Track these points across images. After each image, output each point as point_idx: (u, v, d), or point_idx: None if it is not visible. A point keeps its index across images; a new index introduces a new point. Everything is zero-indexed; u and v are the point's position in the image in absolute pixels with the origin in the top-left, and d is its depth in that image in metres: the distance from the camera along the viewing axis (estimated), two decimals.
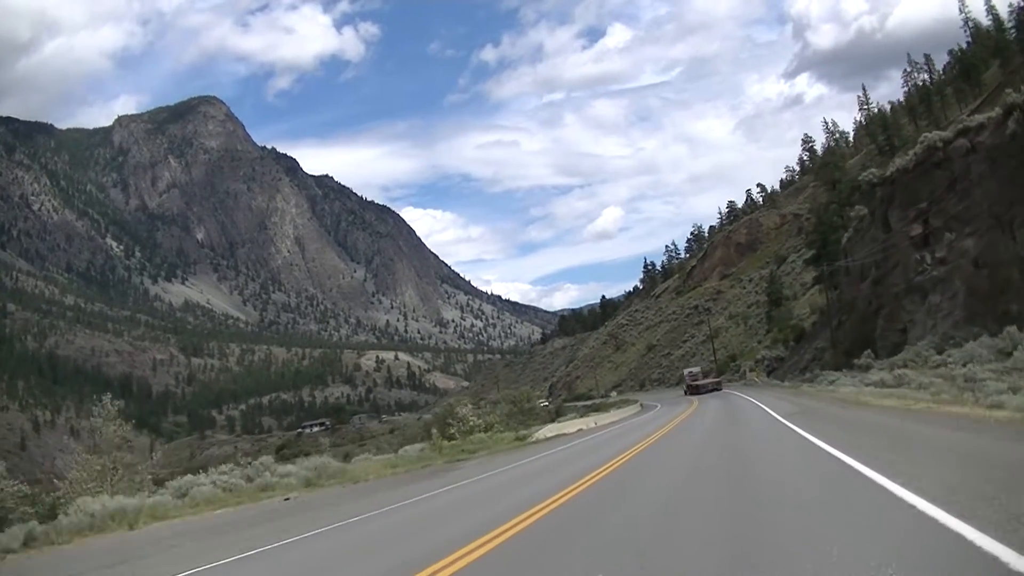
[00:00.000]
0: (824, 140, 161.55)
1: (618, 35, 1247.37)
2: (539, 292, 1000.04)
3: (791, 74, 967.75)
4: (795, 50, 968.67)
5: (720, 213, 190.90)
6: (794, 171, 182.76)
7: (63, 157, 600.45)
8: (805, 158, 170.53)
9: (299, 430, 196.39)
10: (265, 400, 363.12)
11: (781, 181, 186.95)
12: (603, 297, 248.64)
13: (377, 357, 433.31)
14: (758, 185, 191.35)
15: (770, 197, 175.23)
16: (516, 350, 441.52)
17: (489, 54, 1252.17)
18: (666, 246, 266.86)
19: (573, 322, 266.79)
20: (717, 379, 75.27)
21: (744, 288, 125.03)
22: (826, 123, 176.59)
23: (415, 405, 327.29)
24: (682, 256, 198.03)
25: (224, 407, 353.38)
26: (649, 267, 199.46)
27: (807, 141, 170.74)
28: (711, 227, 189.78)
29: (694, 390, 71.07)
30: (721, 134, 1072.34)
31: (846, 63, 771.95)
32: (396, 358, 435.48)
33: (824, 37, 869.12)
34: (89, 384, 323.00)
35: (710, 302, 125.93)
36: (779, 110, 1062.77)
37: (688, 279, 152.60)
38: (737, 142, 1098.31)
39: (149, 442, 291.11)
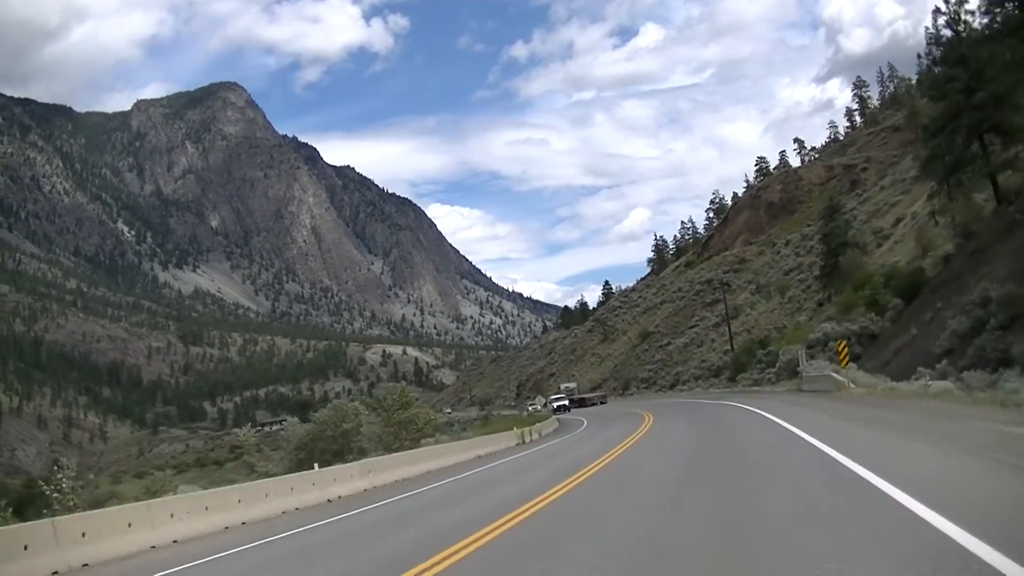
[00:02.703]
0: (878, 93, 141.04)
1: (650, 35, 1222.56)
2: (564, 292, 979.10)
3: (822, 79, 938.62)
4: (827, 55, 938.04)
5: (747, 180, 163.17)
6: (835, 128, 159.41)
7: (79, 140, 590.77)
8: (854, 107, 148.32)
9: (260, 427, 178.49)
10: (262, 393, 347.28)
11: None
12: (606, 282, 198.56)
13: (384, 351, 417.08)
14: (795, 141, 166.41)
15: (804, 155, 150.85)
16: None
17: (519, 50, 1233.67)
18: (681, 221, 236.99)
19: (579, 315, 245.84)
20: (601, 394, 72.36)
21: (778, 254, 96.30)
22: (881, 72, 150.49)
23: None
24: (701, 233, 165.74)
25: (218, 399, 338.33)
26: (659, 242, 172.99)
27: (860, 85, 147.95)
28: (735, 195, 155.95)
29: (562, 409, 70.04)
30: (751, 138, 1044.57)
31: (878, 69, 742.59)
32: (404, 353, 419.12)
33: (857, 42, 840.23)
34: (75, 371, 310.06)
35: (729, 274, 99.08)
36: (809, 115, 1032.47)
37: (703, 251, 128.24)
38: (766, 146, 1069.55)
39: (130, 433, 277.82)
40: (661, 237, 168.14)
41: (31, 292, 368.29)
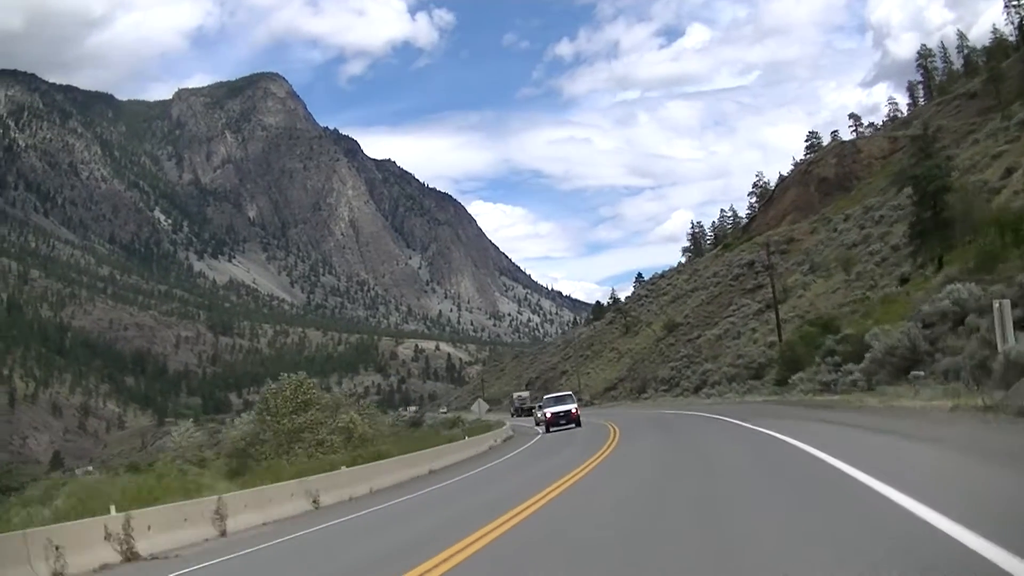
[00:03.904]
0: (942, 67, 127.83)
1: (696, 35, 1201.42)
2: (604, 292, 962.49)
3: (868, 83, 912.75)
4: (874, 59, 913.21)
5: (793, 161, 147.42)
6: (894, 107, 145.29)
7: (119, 128, 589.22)
8: (918, 79, 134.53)
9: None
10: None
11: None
12: (639, 275, 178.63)
13: (416, 346, 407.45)
14: (850, 116, 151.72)
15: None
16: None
17: (564, 48, 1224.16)
18: (721, 209, 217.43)
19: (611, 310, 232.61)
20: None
21: (835, 231, 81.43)
22: (943, 47, 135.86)
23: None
24: (743, 219, 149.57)
25: (244, 390, 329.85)
26: (696, 229, 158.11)
27: (926, 54, 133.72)
28: (781, 176, 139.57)
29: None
30: (795, 142, 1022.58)
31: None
32: (437, 348, 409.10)
33: (905, 46, 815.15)
34: (98, 358, 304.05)
35: (775, 255, 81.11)
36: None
37: (744, 234, 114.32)
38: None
39: (149, 422, 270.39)
40: (698, 223, 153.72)
41: (61, 278, 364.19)
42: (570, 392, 56.46)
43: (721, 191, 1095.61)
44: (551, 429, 46.60)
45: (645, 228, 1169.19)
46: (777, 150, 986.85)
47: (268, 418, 33.96)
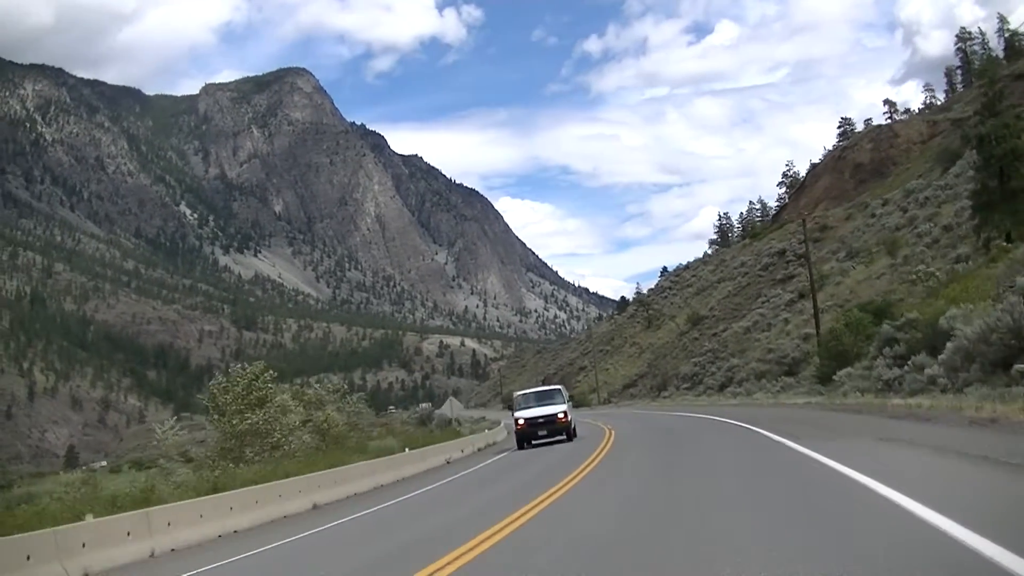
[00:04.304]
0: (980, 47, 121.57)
1: (725, 32, 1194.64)
2: (631, 290, 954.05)
3: (898, 81, 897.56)
4: (904, 57, 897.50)
5: (824, 150, 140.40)
6: (931, 94, 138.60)
7: (146, 122, 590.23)
8: (957, 63, 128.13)
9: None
10: (312, 380, 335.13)
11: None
12: (664, 268, 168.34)
13: (441, 342, 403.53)
14: (885, 102, 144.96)
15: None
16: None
17: (593, 45, 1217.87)
18: (749, 201, 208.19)
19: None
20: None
21: (873, 216, 73.80)
22: (981, 33, 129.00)
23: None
24: (773, 208, 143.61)
25: (290, 384, 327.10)
26: (723, 220, 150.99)
27: (965, 38, 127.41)
28: (813, 164, 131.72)
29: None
30: (823, 140, 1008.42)
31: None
32: (462, 344, 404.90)
33: (935, 44, 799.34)
34: (120, 352, 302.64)
35: (806, 243, 75.08)
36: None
37: (773, 223, 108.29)
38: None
39: (169, 416, 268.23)
40: (726, 215, 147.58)
41: (86, 271, 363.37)
42: (559, 387, 37.36)
43: (749, 189, 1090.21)
44: (527, 444, 32.12)
45: (673, 225, 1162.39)
46: (805, 148, 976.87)
47: (216, 417, 29.69)
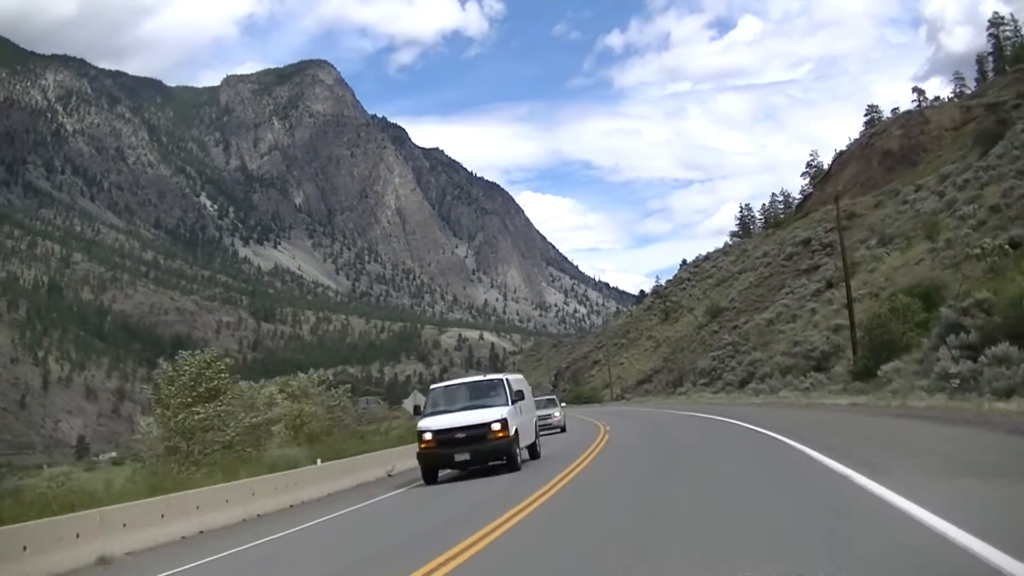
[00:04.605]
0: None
1: (748, 28, 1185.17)
2: (652, 285, 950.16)
3: (921, 78, 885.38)
4: (927, 53, 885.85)
5: (850, 140, 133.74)
6: (961, 82, 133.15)
7: (167, 114, 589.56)
8: (989, 50, 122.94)
9: None
10: (330, 373, 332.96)
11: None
12: (684, 261, 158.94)
13: (460, 335, 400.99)
14: (914, 90, 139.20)
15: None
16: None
17: (615, 39, 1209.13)
18: (772, 193, 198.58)
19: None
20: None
21: (904, 203, 67.87)
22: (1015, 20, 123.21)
23: None
24: (796, 198, 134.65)
25: (282, 378, 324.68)
26: (744, 211, 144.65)
27: (998, 23, 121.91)
28: (839, 151, 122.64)
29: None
30: (847, 136, 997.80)
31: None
32: (480, 338, 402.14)
33: (958, 40, 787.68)
34: (137, 342, 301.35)
35: (833, 232, 69.32)
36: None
37: (797, 212, 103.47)
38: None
39: None
40: (747, 206, 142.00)
41: (104, 262, 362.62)
42: (504, 378, 22.53)
43: (771, 185, 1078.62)
44: (433, 474, 20.69)
45: (694, 221, 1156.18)
46: (828, 145, 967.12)
47: (159, 411, 26.35)
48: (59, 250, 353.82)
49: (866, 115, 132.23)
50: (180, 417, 25.73)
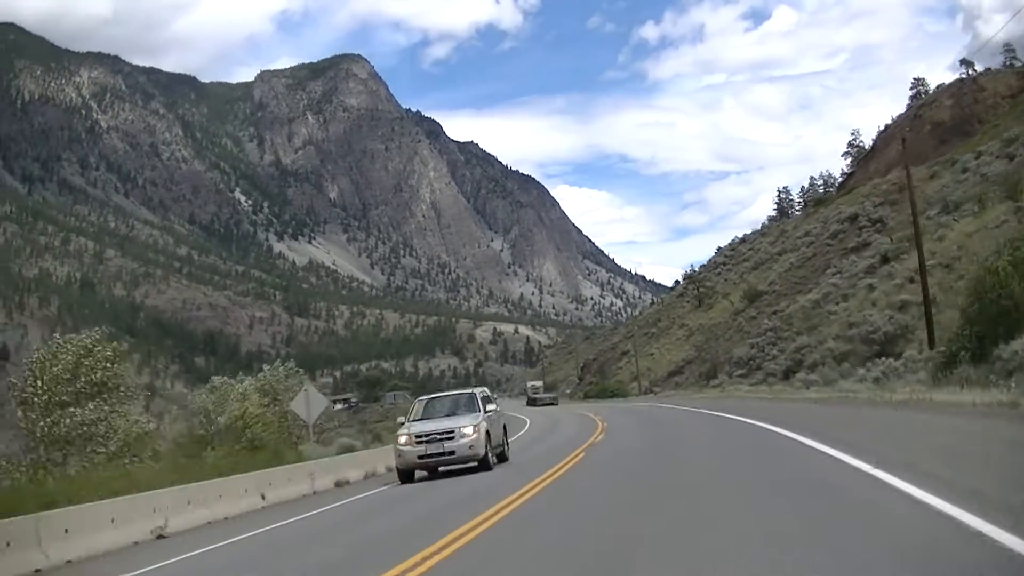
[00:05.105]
0: None
1: (783, 18, 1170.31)
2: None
3: (957, 67, 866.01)
4: (964, 42, 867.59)
5: (892, 119, 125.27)
6: (1011, 55, 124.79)
7: (201, 109, 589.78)
8: None
9: None
10: (363, 368, 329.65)
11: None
12: (718, 248, 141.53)
13: (495, 329, 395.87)
14: (962, 62, 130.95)
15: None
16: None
17: (650, 31, 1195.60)
18: (811, 177, 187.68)
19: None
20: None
21: (964, 171, 62.35)
22: None
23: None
24: (837, 179, 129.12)
25: (318, 372, 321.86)
26: (782, 195, 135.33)
27: None
28: (884, 126, 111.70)
29: None
30: (882, 124, 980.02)
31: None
32: (516, 331, 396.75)
33: (995, 28, 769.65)
34: (169, 338, 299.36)
35: (883, 207, 71.14)
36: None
37: (839, 191, 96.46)
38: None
39: None
40: (785, 189, 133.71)
41: (138, 257, 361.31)
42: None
43: (807, 176, 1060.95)
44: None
45: (730, 212, 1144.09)
46: (865, 136, 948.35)
47: (21, 414, 20.95)
48: (92, 246, 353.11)
49: (912, 88, 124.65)
50: (49, 420, 20.32)
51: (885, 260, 48.63)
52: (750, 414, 26.45)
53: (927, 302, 28.65)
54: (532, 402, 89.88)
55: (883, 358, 32.04)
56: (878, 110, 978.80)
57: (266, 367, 37.40)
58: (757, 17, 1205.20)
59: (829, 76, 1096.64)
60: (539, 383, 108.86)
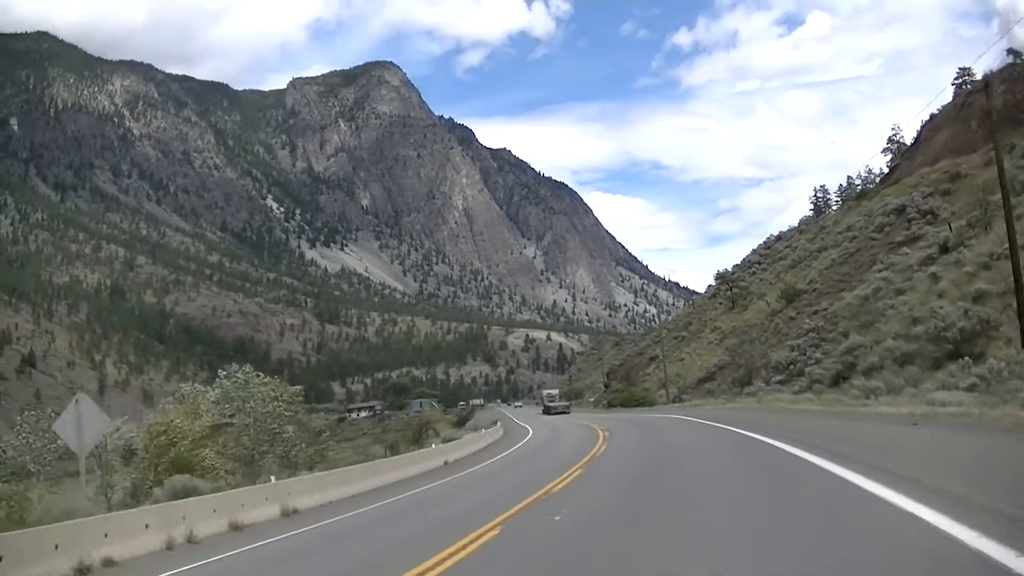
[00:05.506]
0: None
1: (817, 23, 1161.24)
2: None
3: (992, 64, 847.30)
4: (1000, 47, 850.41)
5: (933, 112, 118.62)
6: None
7: (234, 117, 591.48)
8: None
9: (343, 415, 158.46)
10: (394, 375, 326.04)
11: None
12: (753, 251, 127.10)
13: (527, 336, 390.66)
14: (1009, 51, 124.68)
15: None
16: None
17: (683, 37, 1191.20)
18: (848, 176, 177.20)
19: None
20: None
21: None
22: None
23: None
24: (876, 175, 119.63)
25: (348, 379, 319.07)
26: (819, 194, 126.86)
27: None
28: (929, 116, 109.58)
29: None
30: (920, 131, 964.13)
31: None
32: (548, 338, 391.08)
33: None
34: (199, 345, 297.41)
35: (933, 197, 56.71)
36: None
37: (881, 185, 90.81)
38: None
39: None
40: (822, 187, 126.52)
41: (168, 264, 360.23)
42: None
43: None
44: None
45: (764, 219, 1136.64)
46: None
47: None
48: (123, 253, 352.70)
49: (956, 78, 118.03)
50: None
51: (945, 249, 43.01)
52: (817, 442, 16.84)
53: (1021, 290, 23.21)
54: (547, 410, 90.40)
55: (962, 358, 26.68)
56: (912, 115, 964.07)
57: (221, 372, 32.69)
58: (791, 22, 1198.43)
59: (863, 82, 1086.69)
60: (555, 391, 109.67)
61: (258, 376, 31.07)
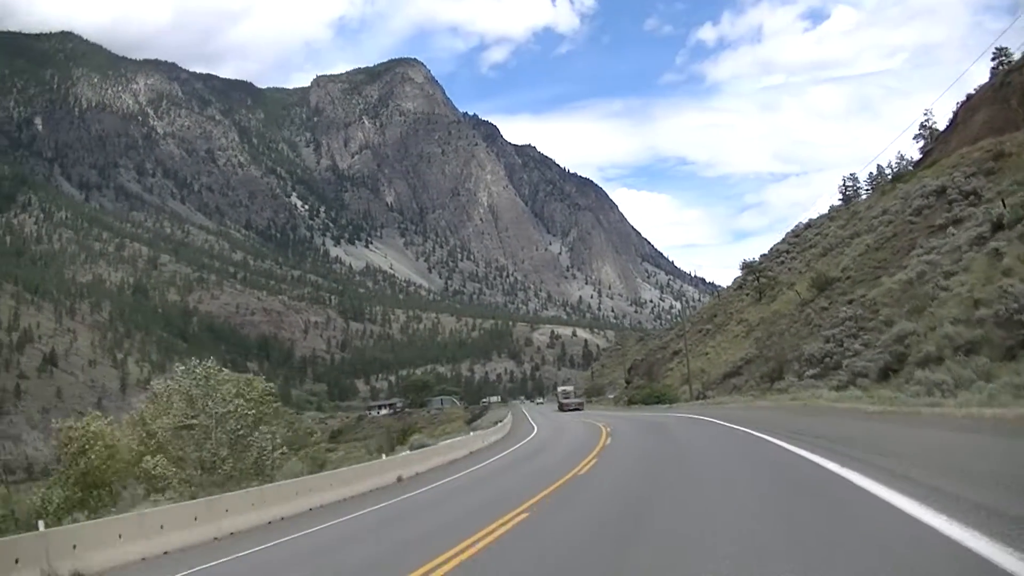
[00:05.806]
0: None
1: (842, 18, 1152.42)
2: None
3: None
4: None
5: (972, 91, 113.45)
6: None
7: (258, 115, 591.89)
8: None
9: (364, 412, 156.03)
10: (419, 372, 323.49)
11: None
12: (799, 222, 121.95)
13: (552, 332, 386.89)
14: None
15: None
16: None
17: (708, 33, 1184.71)
18: (878, 166, 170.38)
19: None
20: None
21: None
22: None
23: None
24: (909, 162, 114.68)
25: (373, 377, 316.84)
26: (848, 183, 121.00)
27: None
28: (967, 96, 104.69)
29: None
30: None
31: None
32: (573, 335, 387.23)
33: None
34: (222, 343, 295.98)
35: (975, 177, 53.24)
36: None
37: (916, 169, 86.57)
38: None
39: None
40: (852, 175, 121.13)
41: (192, 263, 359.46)
42: None
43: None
44: None
45: (790, 215, 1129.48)
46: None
47: None
48: (147, 252, 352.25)
49: (993, 59, 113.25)
50: None
51: (999, 227, 38.72)
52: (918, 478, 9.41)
53: None
54: (562, 407, 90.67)
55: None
56: (939, 109, 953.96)
57: (178, 367, 29.31)
58: (816, 17, 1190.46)
59: (889, 76, 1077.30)
60: (569, 388, 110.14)
61: (221, 371, 27.68)
